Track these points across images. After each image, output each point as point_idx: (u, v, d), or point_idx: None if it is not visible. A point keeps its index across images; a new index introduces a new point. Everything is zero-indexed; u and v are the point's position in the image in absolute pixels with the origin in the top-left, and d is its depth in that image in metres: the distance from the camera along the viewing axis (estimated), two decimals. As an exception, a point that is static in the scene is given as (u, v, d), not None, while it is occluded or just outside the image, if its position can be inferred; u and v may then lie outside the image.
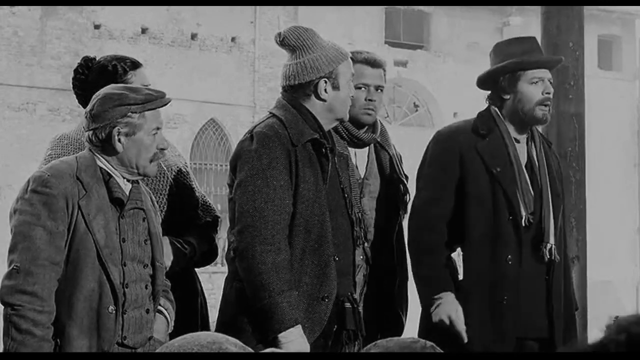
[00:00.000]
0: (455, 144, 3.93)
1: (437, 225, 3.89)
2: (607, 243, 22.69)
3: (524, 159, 3.96)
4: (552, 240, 3.89)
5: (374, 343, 2.04)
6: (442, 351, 2.02)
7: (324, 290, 3.51)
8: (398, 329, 3.96)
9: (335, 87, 3.58)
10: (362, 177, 3.90)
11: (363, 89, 3.88)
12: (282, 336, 3.39)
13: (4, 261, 3.16)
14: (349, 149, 3.89)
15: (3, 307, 3.06)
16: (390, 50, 21.99)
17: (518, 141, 3.97)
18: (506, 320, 3.82)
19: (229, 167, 3.62)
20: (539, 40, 5.74)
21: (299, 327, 3.42)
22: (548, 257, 3.87)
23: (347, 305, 3.63)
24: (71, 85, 3.74)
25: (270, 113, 3.61)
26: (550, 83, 3.97)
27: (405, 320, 4.02)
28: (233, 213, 3.53)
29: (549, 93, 3.94)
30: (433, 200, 3.90)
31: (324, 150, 3.55)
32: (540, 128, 4.21)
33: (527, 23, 21.84)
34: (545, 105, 3.92)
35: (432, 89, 22.82)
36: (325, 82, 3.57)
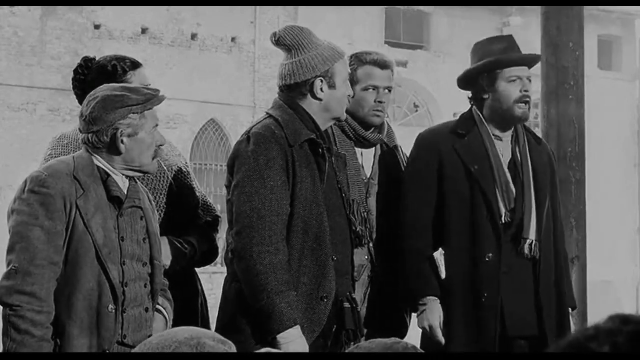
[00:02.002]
0: (434, 145, 3.94)
1: (421, 228, 3.89)
2: (607, 243, 22.69)
3: (507, 157, 3.96)
4: (532, 236, 3.87)
5: (356, 345, 2.05)
6: (422, 352, 2.03)
7: (323, 290, 3.50)
8: (402, 329, 3.96)
9: (332, 86, 3.57)
10: (367, 176, 3.91)
11: (372, 90, 3.88)
12: (281, 337, 3.38)
13: (2, 261, 3.16)
14: (356, 148, 3.90)
15: (2, 307, 3.05)
16: (390, 50, 21.98)
17: (500, 139, 3.96)
18: (487, 318, 3.82)
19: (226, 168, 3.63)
20: (538, 40, 5.76)
21: (297, 328, 3.41)
22: (528, 253, 3.86)
23: (346, 305, 3.63)
24: (71, 86, 3.74)
25: (267, 113, 3.60)
26: (529, 81, 3.95)
27: (409, 320, 4.02)
28: (231, 214, 3.53)
29: (527, 91, 3.92)
30: (416, 203, 3.90)
31: (320, 150, 3.55)
32: (540, 128, 4.20)
33: (527, 23, 21.84)
34: (525, 103, 3.91)
35: (432, 89, 22.82)
36: (321, 80, 3.56)
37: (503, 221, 3.85)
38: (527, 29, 21.59)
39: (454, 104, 22.23)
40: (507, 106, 3.91)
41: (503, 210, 3.85)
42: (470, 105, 4.03)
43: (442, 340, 3.84)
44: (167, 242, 3.57)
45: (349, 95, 3.66)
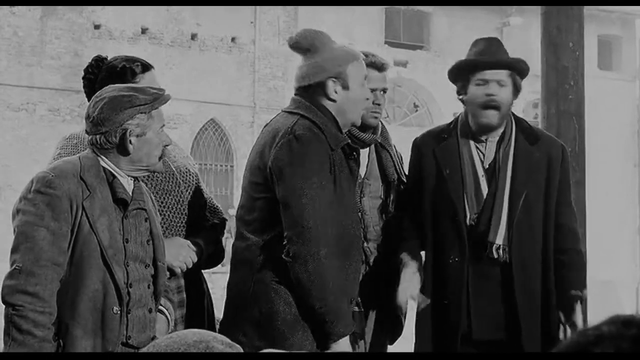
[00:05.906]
0: (417, 150, 3.99)
1: (405, 231, 3.92)
2: (607, 243, 22.70)
3: (490, 159, 3.91)
4: (499, 240, 3.81)
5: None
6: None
7: (351, 294, 3.51)
8: (397, 329, 3.97)
9: (345, 87, 3.53)
10: (362, 177, 3.91)
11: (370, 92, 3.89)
12: (344, 340, 3.39)
13: (2, 260, 3.16)
14: None
15: (4, 306, 3.06)
16: (390, 50, 22.01)
17: (484, 141, 3.91)
18: (451, 320, 3.81)
19: (265, 166, 3.48)
20: (538, 40, 5.76)
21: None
22: (495, 257, 3.80)
23: (355, 308, 3.64)
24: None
25: (297, 114, 3.51)
26: (500, 85, 3.85)
27: (405, 320, 4.03)
28: (262, 212, 3.48)
29: (489, 95, 3.83)
30: (403, 208, 3.96)
31: (355, 154, 3.54)
32: (540, 128, 4.19)
33: (527, 23, 21.86)
34: (487, 108, 3.84)
35: (432, 89, 22.84)
36: (334, 82, 3.52)
37: (469, 223, 3.83)
38: (527, 29, 21.60)
39: (454, 104, 22.21)
40: (473, 112, 3.89)
41: (469, 213, 3.83)
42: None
43: (427, 299, 3.83)
44: (179, 245, 3.57)
45: (367, 99, 3.63)
